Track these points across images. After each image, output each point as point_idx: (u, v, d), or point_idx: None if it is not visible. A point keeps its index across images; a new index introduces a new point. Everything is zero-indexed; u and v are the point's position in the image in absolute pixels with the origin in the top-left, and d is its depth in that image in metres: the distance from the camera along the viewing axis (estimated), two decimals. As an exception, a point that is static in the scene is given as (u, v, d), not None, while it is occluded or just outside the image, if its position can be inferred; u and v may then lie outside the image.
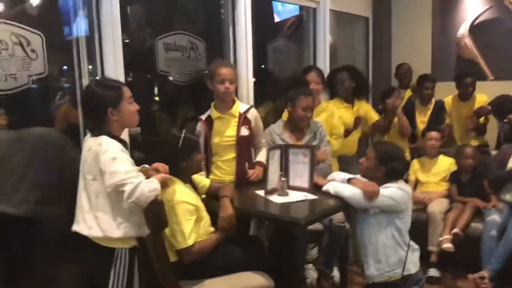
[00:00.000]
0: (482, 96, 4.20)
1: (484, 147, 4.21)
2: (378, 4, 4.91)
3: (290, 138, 2.99)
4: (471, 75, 4.20)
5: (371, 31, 4.96)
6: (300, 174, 2.65)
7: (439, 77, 4.53)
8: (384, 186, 2.35)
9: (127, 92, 2.04)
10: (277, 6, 4.41)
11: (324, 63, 4.06)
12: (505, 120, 3.83)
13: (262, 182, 2.72)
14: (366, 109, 3.97)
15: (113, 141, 1.97)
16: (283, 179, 2.58)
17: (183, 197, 2.23)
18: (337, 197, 2.44)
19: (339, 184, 2.51)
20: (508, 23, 4.54)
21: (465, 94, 4.21)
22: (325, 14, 4.05)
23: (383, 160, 2.38)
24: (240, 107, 2.87)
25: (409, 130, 3.95)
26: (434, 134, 3.85)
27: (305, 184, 2.63)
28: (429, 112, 4.23)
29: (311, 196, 2.52)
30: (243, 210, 2.49)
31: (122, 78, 2.59)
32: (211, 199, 2.49)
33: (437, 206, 3.53)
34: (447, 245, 3.31)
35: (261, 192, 2.60)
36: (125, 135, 2.27)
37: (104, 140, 1.95)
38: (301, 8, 4.16)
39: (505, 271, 3.09)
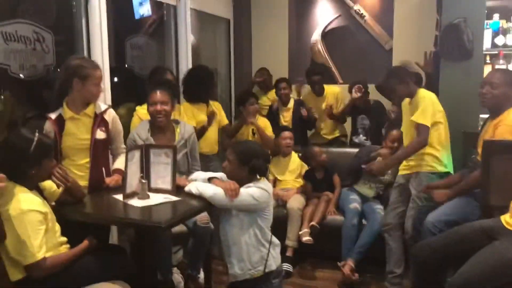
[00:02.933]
0: (333, 89, 4.55)
1: (343, 137, 4.57)
2: (238, 6, 5.00)
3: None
4: (317, 74, 4.46)
5: (232, 33, 5.03)
6: (162, 175, 2.54)
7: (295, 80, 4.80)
8: (245, 187, 2.36)
9: None
10: (137, 2, 4.21)
11: (186, 62, 3.99)
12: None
13: (120, 188, 2.54)
14: (219, 109, 3.90)
15: None
16: (143, 181, 2.44)
17: (30, 205, 1.98)
18: (200, 198, 2.39)
19: (202, 183, 2.46)
20: (354, 31, 4.99)
21: (315, 90, 4.50)
22: (186, 13, 4.00)
23: (244, 160, 2.38)
24: (96, 107, 2.64)
25: (270, 143, 3.93)
26: (288, 133, 4.00)
27: (167, 186, 2.53)
28: (290, 111, 4.44)
29: (173, 198, 2.43)
30: (99, 217, 2.31)
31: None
32: (62, 206, 2.26)
33: (295, 203, 3.70)
34: (306, 238, 3.48)
35: (119, 197, 2.43)
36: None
37: None
38: (162, 5, 4.04)
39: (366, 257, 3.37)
